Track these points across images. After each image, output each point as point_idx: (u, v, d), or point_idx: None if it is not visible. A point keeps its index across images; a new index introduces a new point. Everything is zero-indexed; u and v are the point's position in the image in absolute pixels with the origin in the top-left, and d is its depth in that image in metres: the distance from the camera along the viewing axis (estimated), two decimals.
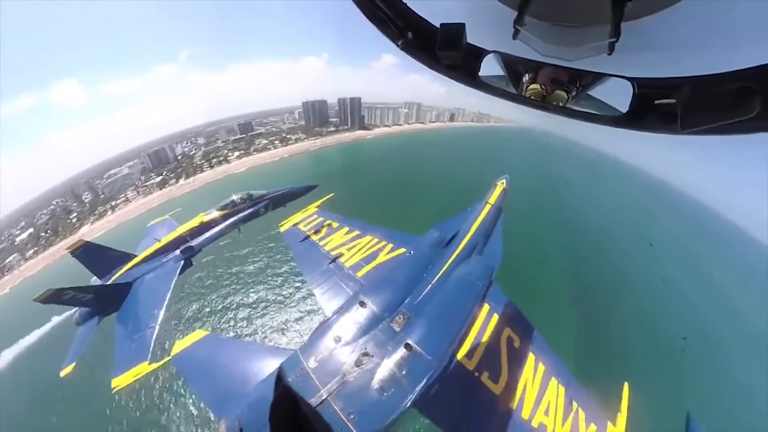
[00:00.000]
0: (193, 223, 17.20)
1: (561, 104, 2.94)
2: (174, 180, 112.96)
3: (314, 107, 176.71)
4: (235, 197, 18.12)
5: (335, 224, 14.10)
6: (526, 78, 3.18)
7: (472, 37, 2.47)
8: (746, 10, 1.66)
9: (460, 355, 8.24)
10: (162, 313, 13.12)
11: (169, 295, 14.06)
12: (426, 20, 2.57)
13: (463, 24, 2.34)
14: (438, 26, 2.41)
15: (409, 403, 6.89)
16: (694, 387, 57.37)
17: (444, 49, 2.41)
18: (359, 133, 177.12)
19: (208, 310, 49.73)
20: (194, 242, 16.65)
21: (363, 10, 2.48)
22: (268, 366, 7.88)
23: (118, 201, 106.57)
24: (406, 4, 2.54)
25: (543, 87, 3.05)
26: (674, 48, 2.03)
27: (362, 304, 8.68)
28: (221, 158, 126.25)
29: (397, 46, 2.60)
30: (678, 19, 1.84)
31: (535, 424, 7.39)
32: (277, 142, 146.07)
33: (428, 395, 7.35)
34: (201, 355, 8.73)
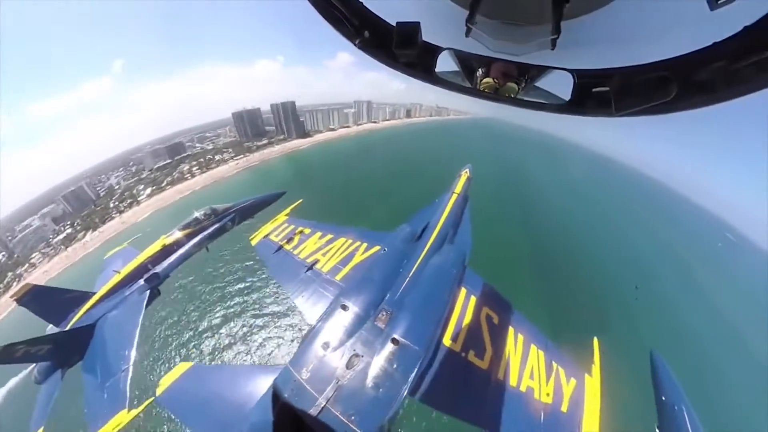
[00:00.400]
0: (155, 247, 15.85)
1: (512, 95, 3.15)
2: (82, 233, 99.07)
3: (246, 118, 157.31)
4: (197, 214, 16.93)
5: (307, 230, 13.90)
6: (479, 73, 3.38)
7: (427, 36, 2.59)
8: (664, 10, 1.98)
9: (446, 339, 8.69)
10: (133, 352, 11.93)
11: (138, 331, 12.81)
12: (382, 19, 2.64)
13: (418, 23, 2.46)
14: (394, 25, 2.50)
15: (405, 393, 7.13)
16: (652, 330, 65.12)
17: (400, 47, 2.49)
18: (295, 143, 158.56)
19: (188, 336, 46.91)
20: (159, 268, 15.37)
21: (319, 10, 2.50)
22: (262, 386, 7.70)
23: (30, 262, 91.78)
24: (362, 3, 2.59)
25: (495, 80, 3.26)
26: (607, 43, 2.33)
27: (344, 307, 8.79)
28: (130, 200, 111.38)
29: (355, 45, 2.64)
30: (609, 18, 2.12)
31: (523, 388, 8.10)
32: (195, 169, 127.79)
33: (422, 382, 7.72)
34: (189, 388, 8.27)
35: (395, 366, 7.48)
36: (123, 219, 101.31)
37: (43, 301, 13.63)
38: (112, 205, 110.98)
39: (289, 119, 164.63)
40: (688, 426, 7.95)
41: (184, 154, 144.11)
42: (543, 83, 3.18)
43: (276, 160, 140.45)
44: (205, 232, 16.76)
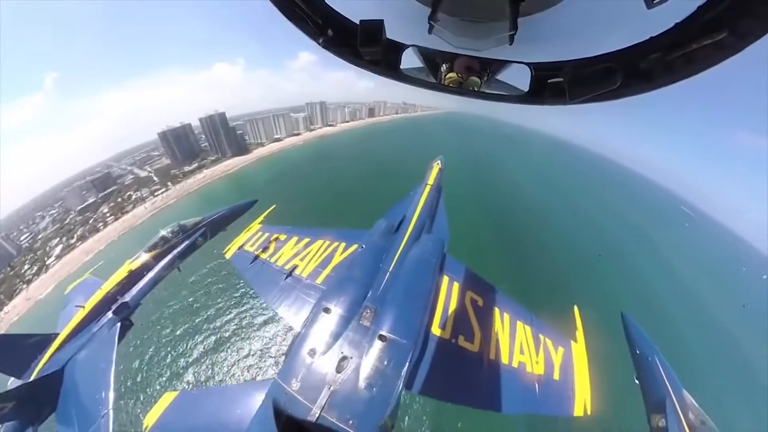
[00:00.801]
0: (120, 274, 14.35)
1: (476, 89, 3.28)
2: None
3: (172, 139, 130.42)
4: (164, 232, 15.62)
5: (283, 237, 13.33)
6: (443, 68, 3.47)
7: (391, 33, 2.64)
8: (609, 8, 2.21)
9: (434, 328, 8.75)
10: (111, 394, 10.78)
11: (113, 369, 11.57)
12: (345, 17, 2.66)
13: (382, 20, 2.49)
14: (357, 23, 2.52)
15: (400, 389, 7.13)
16: (619, 294, 71.77)
17: (365, 45, 2.52)
18: (231, 162, 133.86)
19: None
20: (128, 297, 13.97)
21: (281, 9, 2.47)
22: (253, 403, 7.38)
23: None
24: (325, 1, 2.59)
25: (459, 75, 3.37)
26: (560, 38, 2.53)
27: (326, 310, 8.60)
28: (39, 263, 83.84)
29: (319, 44, 2.65)
30: (561, 15, 2.32)
31: (515, 364, 8.38)
32: (109, 217, 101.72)
33: (416, 375, 7.78)
34: (180, 418, 7.79)
35: (386, 363, 7.40)
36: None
37: None
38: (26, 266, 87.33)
39: (219, 134, 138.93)
40: (662, 372, 8.82)
41: (113, 188, 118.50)
42: (503, 76, 3.35)
43: (198, 193, 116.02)
44: (175, 251, 15.45)
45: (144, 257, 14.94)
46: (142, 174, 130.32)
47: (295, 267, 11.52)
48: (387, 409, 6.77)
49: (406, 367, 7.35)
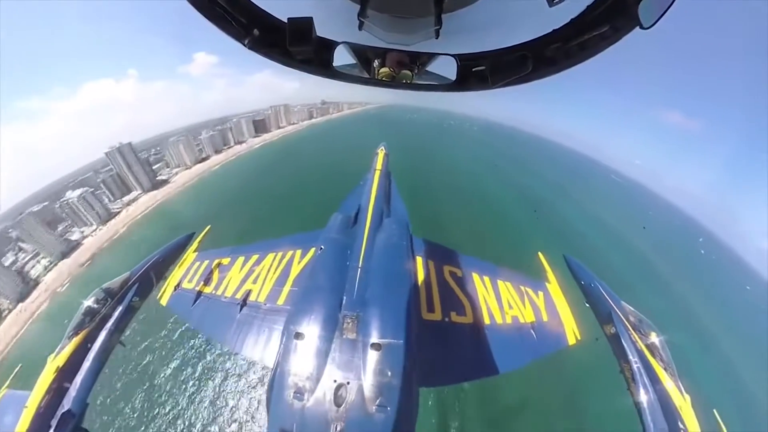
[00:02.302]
0: (46, 378, 10.39)
1: (408, 81, 3.47)
2: None
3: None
4: (87, 303, 11.85)
5: (226, 260, 11.24)
6: (376, 63, 3.56)
7: (321, 31, 2.62)
8: (520, 5, 2.57)
9: (424, 313, 8.38)
10: None
11: None
12: (272, 16, 2.55)
13: (311, 18, 2.46)
14: (285, 21, 2.44)
15: (416, 394, 6.67)
16: (556, 241, 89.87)
17: (295, 44, 2.46)
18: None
19: None
20: (67, 404, 10.24)
21: (200, 9, 2.27)
22: None
23: None
24: None
25: (391, 69, 3.48)
26: (481, 31, 2.87)
27: (298, 335, 7.06)
28: None
29: (244, 45, 2.50)
30: (481, 11, 2.61)
31: (509, 320, 8.86)
32: None
33: (424, 369, 7.24)
34: None
35: (390, 374, 6.38)
36: None
37: None
38: None
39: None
40: (603, 293, 10.56)
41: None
42: (432, 68, 3.60)
43: (119, 241, 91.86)
44: (109, 323, 11.78)
45: (70, 346, 11.01)
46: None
47: (248, 293, 9.69)
48: (413, 421, 6.32)
49: (411, 369, 6.66)
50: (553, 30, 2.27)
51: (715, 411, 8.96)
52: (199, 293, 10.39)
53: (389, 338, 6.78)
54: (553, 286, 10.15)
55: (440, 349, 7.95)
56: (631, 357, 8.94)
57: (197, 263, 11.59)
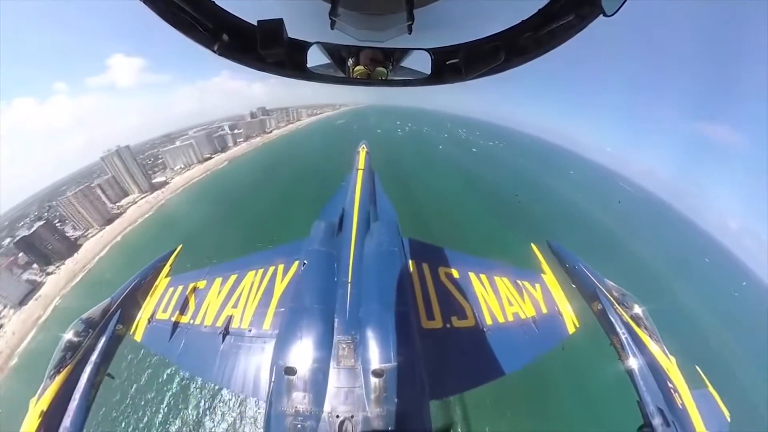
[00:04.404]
0: (31, 424, 9.44)
1: (383, 78, 3.47)
2: None
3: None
4: (68, 336, 10.85)
5: (202, 284, 10.18)
6: (350, 62, 3.56)
7: (293, 32, 2.57)
8: None
9: (424, 322, 7.98)
10: None
11: None
12: (240, 19, 2.48)
13: (281, 19, 2.40)
14: (255, 24, 2.38)
15: (427, 411, 6.43)
16: (540, 226, 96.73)
17: (266, 47, 2.39)
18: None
19: None
20: None
21: (164, 17, 2.16)
22: None
23: None
24: (214, 3, 2.35)
25: (366, 67, 3.49)
26: (453, 24, 2.90)
27: (290, 370, 6.30)
28: None
29: (214, 51, 2.41)
30: (453, 4, 2.67)
31: (510, 317, 8.73)
32: None
33: (431, 384, 6.94)
34: None
35: (396, 400, 5.95)
36: None
37: None
38: None
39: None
40: (587, 272, 10.93)
41: None
42: (407, 63, 3.63)
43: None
44: (93, 356, 10.77)
45: (52, 387, 10.07)
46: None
47: (230, 319, 8.75)
48: None
49: (418, 390, 6.37)
50: (523, 20, 2.34)
51: (697, 367, 9.60)
52: (176, 324, 9.32)
53: (391, 361, 6.18)
54: (549, 276, 10.21)
55: (445, 358, 7.59)
56: (618, 329, 9.38)
57: (171, 289, 10.41)
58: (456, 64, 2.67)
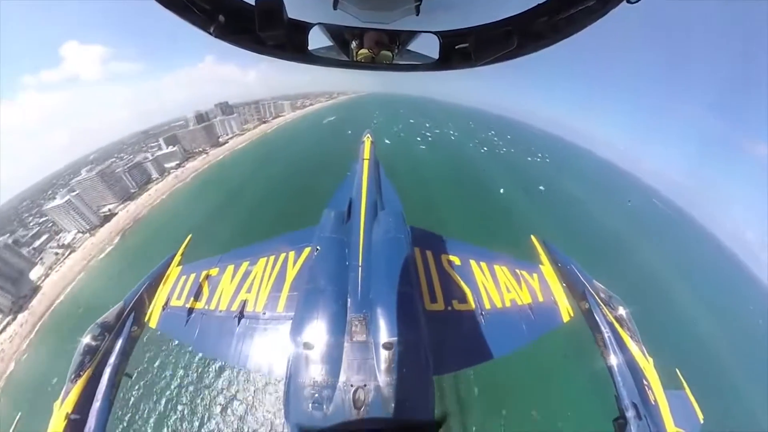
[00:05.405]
0: (58, 425, 9.99)
1: (388, 62, 3.32)
2: None
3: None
4: (86, 340, 11.22)
5: (214, 271, 10.59)
6: (353, 45, 3.40)
7: (293, 12, 2.43)
8: None
9: (427, 304, 8.47)
10: None
11: None
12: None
13: None
14: (253, 4, 2.23)
15: (431, 384, 6.92)
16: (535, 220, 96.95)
17: (265, 29, 2.26)
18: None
19: None
20: None
21: None
22: None
23: None
24: None
25: (370, 50, 3.33)
26: (464, 6, 2.75)
27: (307, 345, 6.89)
28: None
29: (210, 33, 2.29)
30: None
31: (508, 304, 9.25)
32: None
33: (434, 359, 7.40)
34: None
35: (405, 370, 6.56)
36: None
37: None
38: None
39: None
40: (577, 272, 11.25)
41: None
42: (414, 47, 3.45)
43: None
44: (112, 358, 11.29)
45: (75, 389, 10.48)
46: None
47: (244, 303, 9.25)
48: (432, 409, 6.62)
49: (423, 362, 6.92)
50: (539, 4, 2.18)
51: (677, 370, 10.22)
52: (191, 310, 9.76)
53: (399, 335, 6.80)
54: (547, 268, 10.66)
55: (446, 337, 8.16)
56: (603, 328, 9.87)
57: (183, 278, 10.85)
58: (466, 48, 2.52)
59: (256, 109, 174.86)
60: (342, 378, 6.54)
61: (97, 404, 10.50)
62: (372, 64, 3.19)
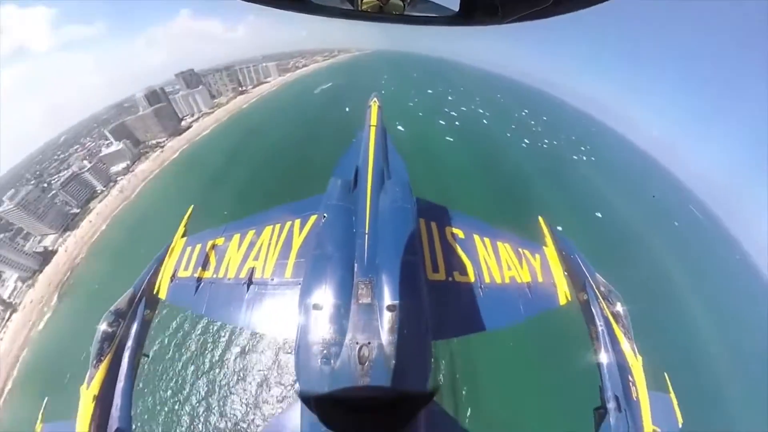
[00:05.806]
0: (86, 409, 10.71)
1: (399, 13, 2.95)
2: None
3: None
4: (103, 327, 11.96)
5: (220, 241, 10.71)
6: None
7: None
8: None
9: (429, 274, 8.86)
10: None
11: None
12: None
13: None
14: None
15: (430, 346, 7.31)
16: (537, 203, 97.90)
17: None
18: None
19: None
20: (115, 424, 10.85)
21: None
22: None
23: None
24: None
25: None
26: None
27: (316, 306, 7.26)
28: None
29: None
30: None
31: (507, 280, 9.51)
32: None
33: (433, 324, 7.85)
34: None
35: (406, 331, 6.91)
36: None
37: None
38: None
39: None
40: (581, 263, 11.33)
41: None
42: None
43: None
44: (129, 342, 12.04)
45: (99, 373, 11.28)
46: None
47: (252, 270, 9.52)
48: (429, 369, 7.09)
49: (423, 324, 7.28)
50: None
51: (665, 374, 10.31)
52: (199, 279, 10.04)
53: (402, 299, 7.14)
54: (550, 250, 10.75)
55: (446, 306, 8.57)
56: (597, 322, 10.02)
57: (189, 248, 11.03)
58: (491, 1, 2.12)
59: (230, 77, 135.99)
60: (348, 336, 6.92)
61: (120, 384, 11.31)
62: (380, 14, 2.83)
